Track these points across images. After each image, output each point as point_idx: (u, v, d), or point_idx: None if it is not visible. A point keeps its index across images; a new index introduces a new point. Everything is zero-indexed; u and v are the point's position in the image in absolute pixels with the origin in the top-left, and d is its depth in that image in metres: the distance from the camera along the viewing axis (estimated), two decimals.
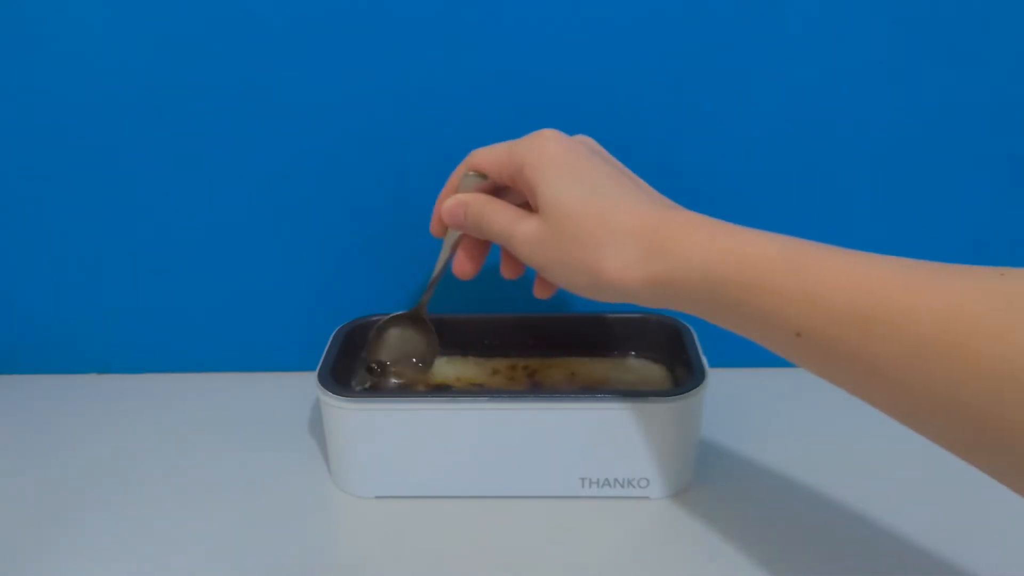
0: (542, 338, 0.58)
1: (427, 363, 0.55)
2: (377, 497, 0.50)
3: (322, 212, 0.59)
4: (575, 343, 0.58)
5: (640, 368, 0.57)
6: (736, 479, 0.51)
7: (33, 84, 0.55)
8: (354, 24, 0.54)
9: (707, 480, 0.51)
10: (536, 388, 0.55)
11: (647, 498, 0.50)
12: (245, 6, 0.53)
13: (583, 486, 0.49)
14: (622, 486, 0.49)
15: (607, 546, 0.46)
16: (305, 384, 0.52)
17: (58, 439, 0.57)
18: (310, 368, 0.51)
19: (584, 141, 0.43)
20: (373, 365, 0.54)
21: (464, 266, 0.48)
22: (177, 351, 0.64)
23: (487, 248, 0.49)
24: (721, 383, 0.52)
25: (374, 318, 0.57)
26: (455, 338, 0.58)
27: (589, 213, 0.39)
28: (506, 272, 0.48)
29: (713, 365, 0.50)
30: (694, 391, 0.48)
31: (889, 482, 0.50)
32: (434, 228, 0.49)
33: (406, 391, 0.54)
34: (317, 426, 0.57)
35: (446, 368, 0.57)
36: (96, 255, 0.61)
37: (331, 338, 0.54)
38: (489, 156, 0.45)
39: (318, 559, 0.46)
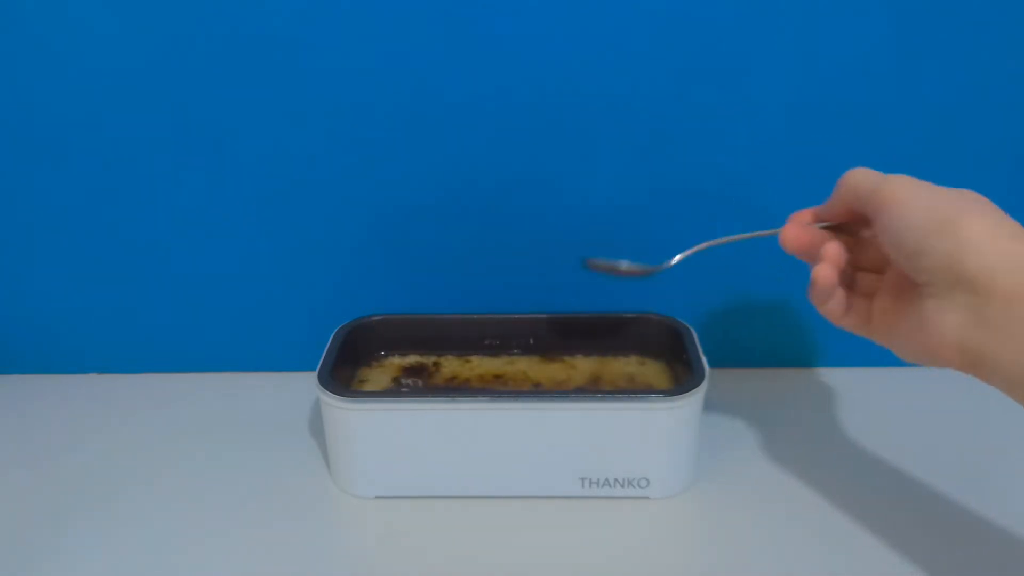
0: (542, 338, 0.58)
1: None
2: (377, 497, 0.50)
3: (323, 212, 0.59)
4: (575, 343, 0.58)
5: (640, 368, 0.57)
6: (736, 479, 0.51)
7: (33, 84, 0.55)
8: (358, 25, 0.54)
9: (707, 480, 0.51)
10: (536, 388, 0.55)
11: (647, 498, 0.50)
12: (251, 4, 0.53)
13: (583, 486, 0.49)
14: (622, 486, 0.49)
15: (607, 546, 0.46)
16: (305, 384, 0.52)
17: (58, 439, 0.57)
18: (310, 368, 0.51)
19: None
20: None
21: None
22: (177, 351, 0.64)
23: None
24: (721, 383, 0.52)
25: (375, 318, 0.57)
26: (455, 338, 0.58)
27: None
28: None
29: (713, 365, 0.50)
30: (694, 391, 0.48)
31: (889, 482, 0.50)
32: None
33: (406, 391, 0.54)
34: (317, 426, 0.57)
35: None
36: (96, 255, 0.61)
37: (331, 338, 0.54)
38: None
39: (318, 559, 0.46)
